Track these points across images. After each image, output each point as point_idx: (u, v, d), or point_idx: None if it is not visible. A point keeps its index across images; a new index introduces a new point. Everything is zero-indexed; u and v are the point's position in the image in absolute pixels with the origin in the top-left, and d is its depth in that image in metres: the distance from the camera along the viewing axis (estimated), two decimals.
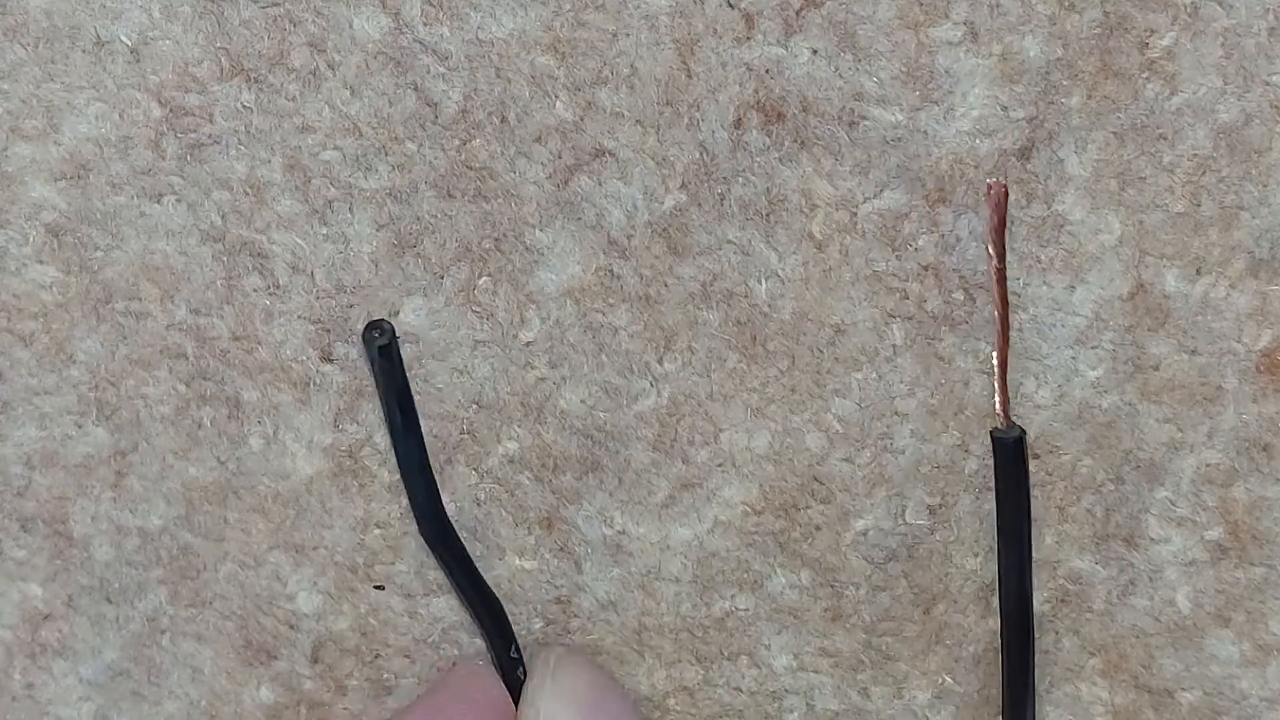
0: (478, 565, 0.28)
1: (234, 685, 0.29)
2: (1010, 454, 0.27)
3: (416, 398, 0.27)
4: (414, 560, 0.28)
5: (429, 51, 0.26)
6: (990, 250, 0.26)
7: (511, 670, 0.28)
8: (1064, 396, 0.27)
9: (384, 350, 0.26)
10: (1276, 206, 0.26)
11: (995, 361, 0.26)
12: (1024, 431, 0.27)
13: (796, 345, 0.27)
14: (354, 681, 0.29)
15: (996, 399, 0.27)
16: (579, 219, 0.27)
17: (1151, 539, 0.28)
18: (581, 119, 0.26)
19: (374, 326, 0.26)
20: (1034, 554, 0.28)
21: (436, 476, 0.28)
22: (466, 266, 0.27)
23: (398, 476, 0.28)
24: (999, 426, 0.27)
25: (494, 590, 0.28)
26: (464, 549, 0.28)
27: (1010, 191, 0.26)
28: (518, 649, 0.28)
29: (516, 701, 0.28)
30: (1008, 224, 0.26)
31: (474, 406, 0.28)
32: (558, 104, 0.26)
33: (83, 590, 0.29)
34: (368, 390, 0.28)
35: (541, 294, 0.27)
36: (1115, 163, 0.26)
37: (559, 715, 0.27)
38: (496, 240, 0.27)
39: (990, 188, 0.26)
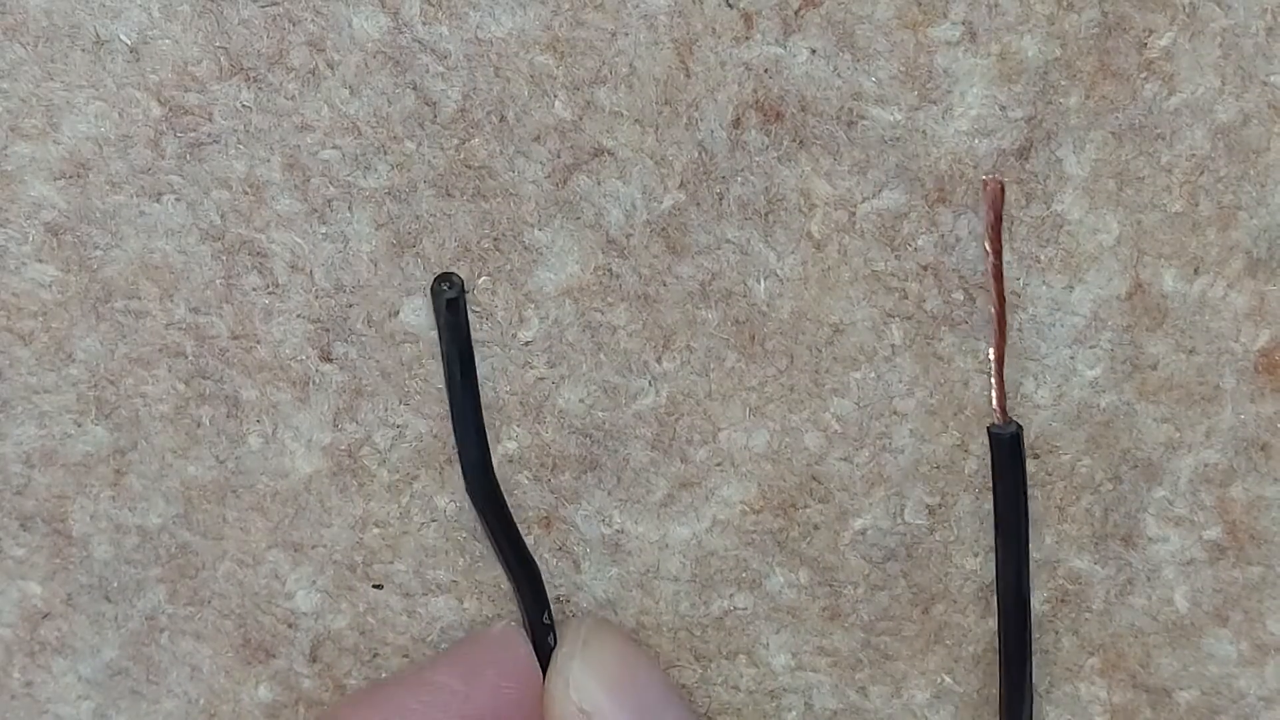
0: (478, 565, 0.28)
1: (232, 684, 0.29)
2: (1007, 450, 0.27)
3: (416, 399, 0.27)
4: (413, 559, 0.29)
5: (428, 51, 0.26)
6: (987, 247, 0.26)
7: (543, 636, 0.28)
8: (1062, 396, 0.27)
9: (451, 304, 0.26)
10: (1274, 206, 0.26)
11: (992, 358, 0.26)
12: (1020, 427, 0.27)
13: (795, 344, 0.27)
14: (352, 680, 0.29)
15: (993, 395, 0.27)
16: (578, 218, 0.27)
17: (1149, 538, 0.28)
18: (580, 118, 0.26)
19: (443, 279, 0.26)
20: (1033, 554, 0.28)
21: (437, 476, 0.28)
22: (465, 266, 0.27)
23: (397, 476, 0.28)
24: (996, 423, 0.27)
25: (508, 570, 0.28)
26: (509, 511, 0.28)
27: (1009, 191, 0.26)
28: (550, 616, 0.28)
29: (545, 667, 0.27)
30: (1005, 221, 0.26)
31: None
32: (556, 103, 0.26)
33: (82, 588, 0.29)
34: (367, 389, 0.28)
35: (540, 293, 0.27)
36: (1113, 162, 0.26)
37: (587, 686, 0.27)
38: (495, 240, 0.27)
39: (986, 184, 0.26)
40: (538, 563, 0.28)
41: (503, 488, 0.28)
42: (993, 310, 0.26)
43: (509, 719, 0.27)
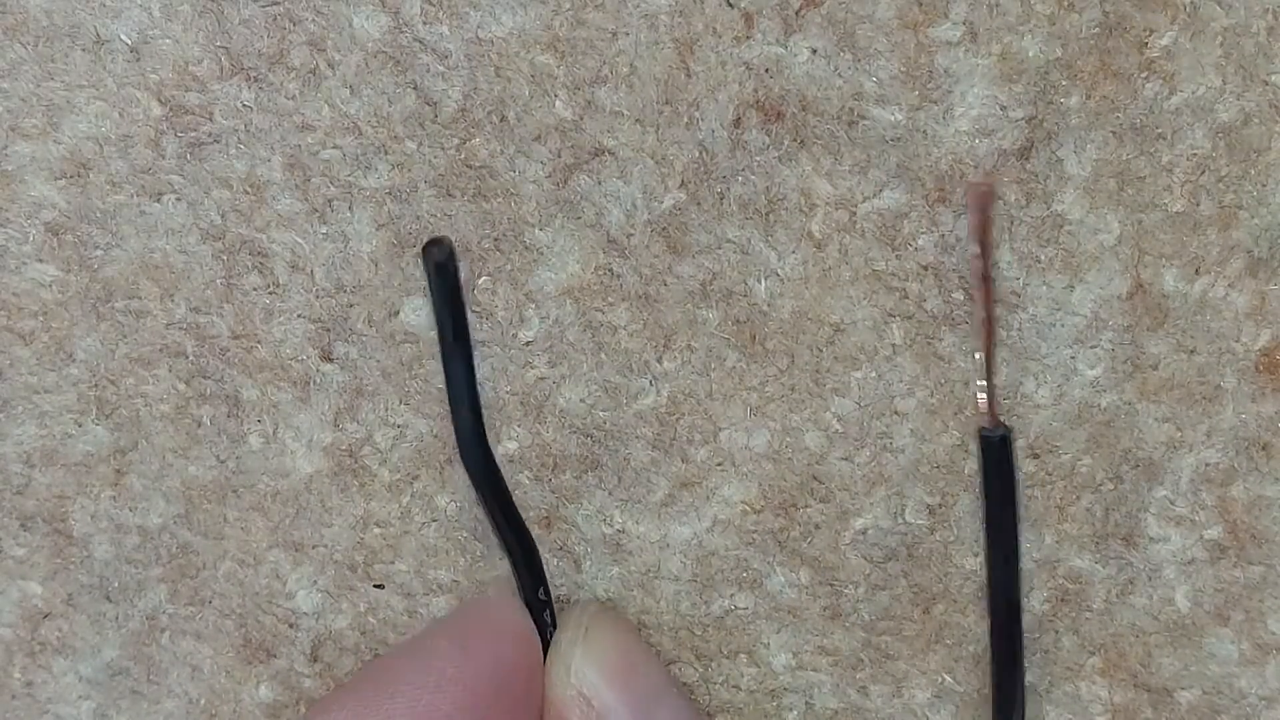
0: (479, 565, 0.28)
1: (233, 683, 0.29)
2: (997, 453, 0.27)
3: (416, 398, 0.27)
4: (413, 559, 0.29)
5: (428, 50, 0.26)
6: (975, 249, 0.26)
7: (539, 610, 0.28)
8: (1063, 396, 0.27)
9: (441, 268, 0.26)
10: (1275, 206, 0.26)
11: (981, 361, 0.26)
12: (1010, 430, 0.27)
13: (796, 344, 0.27)
14: None
15: (984, 398, 0.27)
16: (578, 218, 0.27)
17: (1150, 538, 0.28)
18: (581, 118, 0.26)
19: (434, 243, 0.26)
20: (1034, 554, 0.28)
21: (438, 476, 0.28)
22: (466, 266, 0.27)
23: (398, 476, 0.28)
24: (986, 425, 0.27)
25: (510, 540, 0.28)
26: (504, 481, 0.28)
27: (1009, 191, 0.26)
28: (547, 590, 0.28)
29: (542, 638, 0.27)
30: (1005, 221, 0.26)
31: None
32: (557, 103, 0.26)
33: (82, 588, 0.29)
34: (367, 389, 0.28)
35: (541, 293, 0.27)
36: (1114, 162, 0.26)
37: (589, 675, 0.27)
38: (496, 239, 0.27)
39: (973, 187, 0.26)
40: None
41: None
42: (980, 313, 0.26)
43: (506, 683, 0.27)
